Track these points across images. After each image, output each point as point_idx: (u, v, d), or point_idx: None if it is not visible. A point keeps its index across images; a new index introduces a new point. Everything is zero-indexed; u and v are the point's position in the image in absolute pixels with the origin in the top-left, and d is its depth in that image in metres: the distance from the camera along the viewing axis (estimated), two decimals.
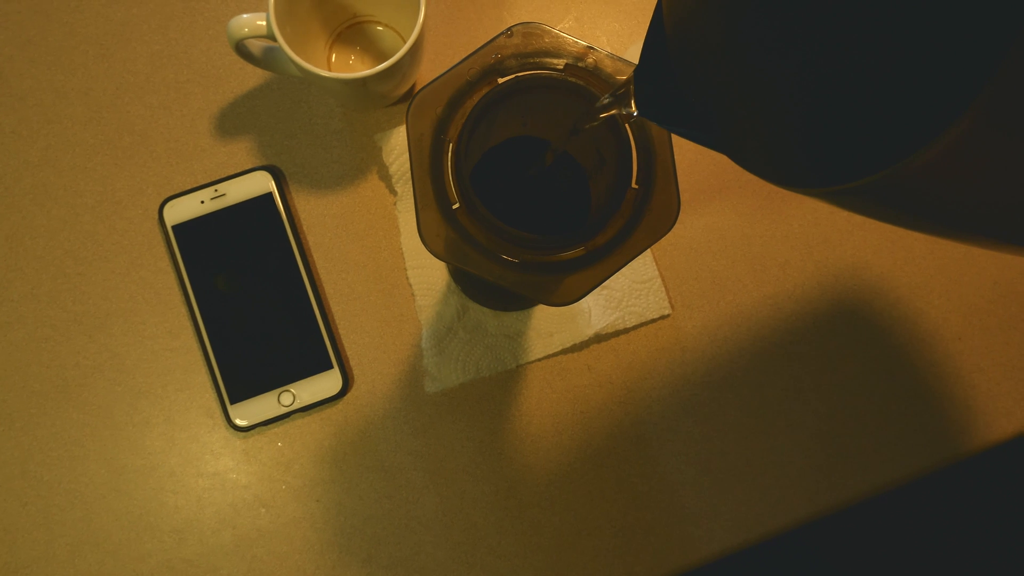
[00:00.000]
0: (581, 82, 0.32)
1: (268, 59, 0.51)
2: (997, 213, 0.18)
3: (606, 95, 0.29)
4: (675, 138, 0.55)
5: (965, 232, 0.20)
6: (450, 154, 0.32)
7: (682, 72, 0.24)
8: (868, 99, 0.16)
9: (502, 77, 0.32)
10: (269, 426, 0.53)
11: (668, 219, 0.32)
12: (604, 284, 0.54)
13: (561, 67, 0.33)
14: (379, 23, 0.55)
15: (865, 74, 0.16)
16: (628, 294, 0.55)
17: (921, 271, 0.56)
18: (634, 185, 0.32)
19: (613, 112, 0.29)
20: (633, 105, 0.27)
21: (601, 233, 0.32)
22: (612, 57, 0.33)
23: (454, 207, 0.32)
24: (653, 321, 0.55)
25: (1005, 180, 0.16)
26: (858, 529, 1.06)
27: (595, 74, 0.33)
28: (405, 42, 0.47)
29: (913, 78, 0.15)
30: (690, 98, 0.24)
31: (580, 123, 0.31)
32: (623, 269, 0.54)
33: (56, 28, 0.56)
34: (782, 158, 0.20)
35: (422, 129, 0.32)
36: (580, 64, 0.33)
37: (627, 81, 0.28)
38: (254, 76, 0.56)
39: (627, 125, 0.33)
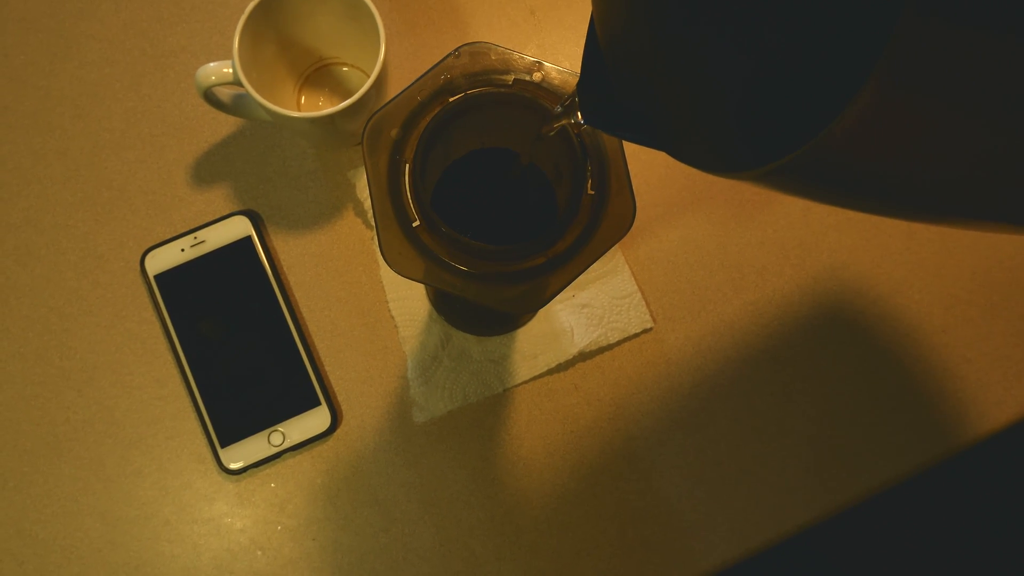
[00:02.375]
0: (530, 95, 0.33)
1: (237, 105, 0.52)
2: (925, 178, 0.18)
3: (557, 107, 0.30)
4: (641, 150, 0.56)
5: (896, 203, 0.20)
6: (407, 174, 0.33)
7: (619, 80, 0.25)
8: (784, 79, 0.17)
9: (453, 96, 0.33)
10: (261, 467, 0.53)
11: (625, 222, 0.33)
12: (585, 302, 0.55)
13: (510, 82, 0.34)
14: (345, 64, 0.57)
15: (778, 56, 0.17)
16: (609, 310, 0.55)
17: (899, 267, 0.57)
18: (589, 191, 0.33)
19: (565, 122, 0.30)
20: (579, 115, 0.28)
21: (561, 240, 0.33)
22: (559, 70, 0.34)
23: (414, 225, 0.33)
24: (636, 336, 0.55)
25: (922, 145, 0.17)
26: (860, 531, 1.04)
27: (543, 87, 0.34)
28: (368, 80, 0.48)
29: (819, 54, 0.16)
30: (630, 103, 0.25)
31: (540, 133, 0.32)
32: (603, 287, 0.55)
33: (31, 93, 0.57)
34: (716, 147, 0.21)
35: (379, 152, 0.33)
36: (528, 78, 0.34)
37: (573, 94, 0.29)
38: (226, 124, 0.57)
39: (578, 135, 0.33)
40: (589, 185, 0.33)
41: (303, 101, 0.56)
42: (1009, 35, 0.14)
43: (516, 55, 0.34)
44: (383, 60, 0.47)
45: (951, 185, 0.19)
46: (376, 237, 0.56)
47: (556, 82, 0.34)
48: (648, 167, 0.57)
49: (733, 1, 0.18)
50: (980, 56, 0.14)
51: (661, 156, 0.57)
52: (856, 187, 0.19)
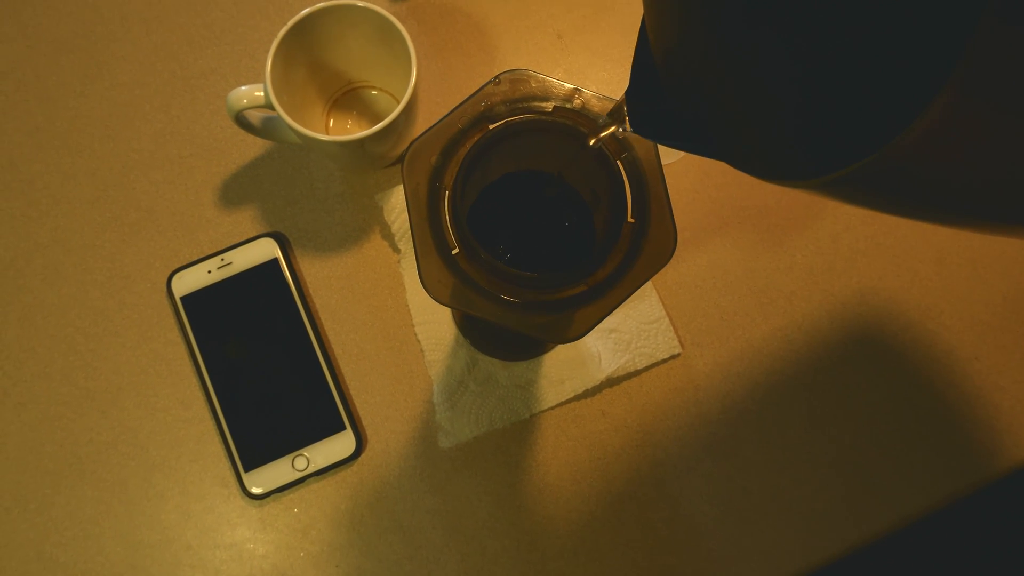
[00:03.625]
0: (571, 122, 0.33)
1: (267, 128, 0.52)
2: (992, 190, 0.18)
3: (604, 116, 0.30)
4: (667, 173, 0.55)
5: (963, 213, 0.19)
6: (447, 201, 0.33)
7: (671, 87, 0.25)
8: (852, 86, 0.17)
9: (492, 123, 0.33)
10: (284, 492, 0.52)
11: (666, 249, 0.32)
12: (612, 327, 0.54)
13: (550, 109, 0.34)
14: (374, 88, 0.57)
15: (846, 61, 0.17)
16: (637, 335, 0.55)
17: (929, 292, 0.56)
18: (630, 219, 0.33)
19: (611, 131, 0.30)
20: (628, 124, 0.28)
21: (601, 268, 0.32)
22: (599, 97, 0.34)
23: (454, 252, 0.32)
24: (664, 361, 0.55)
25: (994, 155, 0.16)
26: (892, 562, 1.02)
27: (583, 114, 0.34)
28: (400, 104, 0.48)
29: (891, 61, 0.15)
30: (681, 111, 0.25)
31: (585, 144, 0.32)
32: (630, 312, 0.55)
33: (62, 113, 0.57)
34: (776, 155, 0.20)
35: (418, 178, 0.33)
36: (568, 106, 0.34)
37: (621, 101, 0.28)
38: (255, 146, 0.57)
39: (618, 160, 0.33)
40: (630, 213, 0.33)
41: (331, 124, 0.56)
42: None
43: (555, 82, 0.34)
44: (414, 84, 0.47)
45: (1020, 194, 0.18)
46: (404, 262, 0.55)
47: (596, 109, 0.34)
48: (673, 192, 0.57)
49: (796, 2, 0.18)
50: None
51: (687, 181, 0.57)
52: (923, 198, 0.19)
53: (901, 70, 0.15)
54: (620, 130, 0.28)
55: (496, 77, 0.33)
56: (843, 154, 0.17)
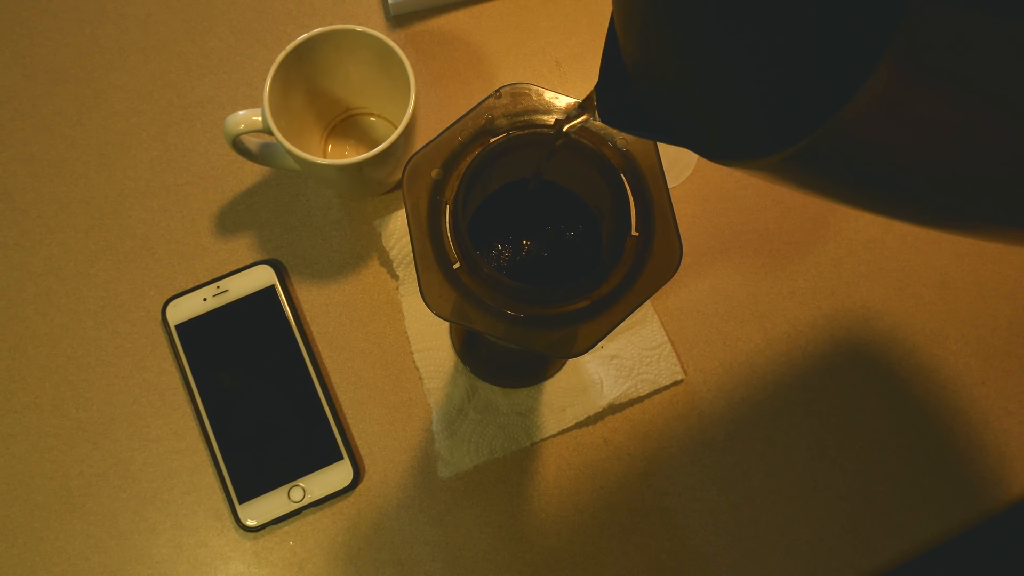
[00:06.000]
0: (573, 136, 0.33)
1: (265, 154, 0.51)
2: (948, 174, 0.18)
3: (574, 107, 0.30)
4: (672, 191, 0.55)
5: (915, 198, 0.20)
6: (447, 215, 0.32)
7: (637, 79, 0.26)
8: (795, 66, 0.18)
9: (494, 137, 0.33)
10: (280, 524, 0.51)
11: (671, 263, 0.32)
12: (614, 353, 0.53)
13: (551, 123, 0.33)
14: (372, 114, 0.57)
15: (790, 42, 0.18)
16: (639, 362, 0.54)
17: (934, 317, 0.55)
18: (634, 233, 0.32)
19: (582, 120, 0.30)
20: (596, 114, 0.29)
21: (605, 283, 0.32)
22: None
23: (455, 266, 0.32)
24: (667, 388, 0.54)
25: (948, 136, 0.16)
26: None
27: (585, 128, 0.33)
28: (398, 128, 0.48)
29: (829, 41, 0.16)
30: (647, 102, 0.26)
31: (559, 132, 0.32)
32: (632, 338, 0.54)
33: (58, 142, 0.57)
34: (733, 138, 0.21)
35: (418, 192, 0.32)
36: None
37: (591, 93, 0.29)
38: (251, 174, 0.57)
39: (622, 174, 0.33)
40: (633, 227, 0.32)
41: (330, 150, 0.56)
42: None
43: (556, 96, 0.34)
44: (413, 107, 0.47)
45: (974, 184, 0.18)
46: (407, 278, 0.55)
47: (599, 123, 0.33)
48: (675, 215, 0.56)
49: None
50: (1004, 45, 0.14)
51: (688, 206, 0.57)
52: (875, 179, 0.19)
53: (839, 48, 0.16)
54: (592, 119, 0.29)
55: (497, 91, 0.33)
56: (793, 131, 0.17)
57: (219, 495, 0.51)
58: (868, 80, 0.15)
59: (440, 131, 0.33)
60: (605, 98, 0.28)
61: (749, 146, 0.20)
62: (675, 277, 0.55)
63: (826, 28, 0.16)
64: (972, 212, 0.20)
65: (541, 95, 0.33)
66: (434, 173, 0.32)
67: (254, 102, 0.58)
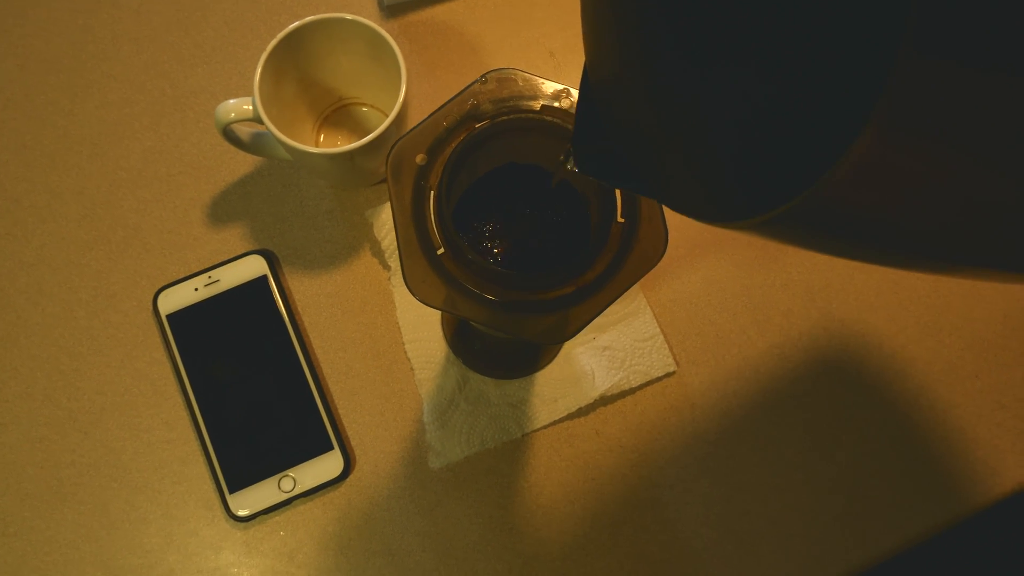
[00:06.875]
0: (558, 121, 0.33)
1: (256, 143, 0.51)
2: (934, 227, 0.18)
3: (560, 156, 0.30)
4: None
5: (903, 252, 0.20)
6: (432, 201, 0.32)
7: (612, 131, 0.25)
8: (778, 126, 0.17)
9: (479, 122, 0.33)
10: (270, 514, 0.51)
11: (657, 249, 0.32)
12: (606, 345, 0.53)
13: (537, 108, 0.33)
14: (364, 104, 0.57)
15: (772, 102, 0.17)
16: (631, 353, 0.54)
17: (928, 310, 0.55)
18: (620, 219, 0.32)
19: (568, 169, 0.30)
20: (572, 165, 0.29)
21: (590, 269, 0.32)
22: None
23: (439, 252, 0.32)
24: (659, 379, 0.54)
25: (929, 191, 0.16)
26: None
27: (571, 113, 0.33)
28: (389, 116, 0.48)
29: (814, 102, 0.16)
30: (624, 153, 0.25)
31: (553, 177, 0.32)
32: (624, 329, 0.54)
33: (50, 132, 0.57)
34: (710, 197, 0.21)
35: (403, 178, 0.32)
36: (556, 105, 0.33)
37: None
38: (244, 164, 0.57)
39: None
40: (619, 213, 0.32)
41: (322, 140, 0.56)
42: (1016, 77, 0.13)
43: (543, 81, 0.33)
44: (404, 96, 0.47)
45: (960, 233, 0.18)
46: (399, 269, 0.55)
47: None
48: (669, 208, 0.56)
49: (724, 47, 0.18)
50: (989, 100, 0.14)
51: None
52: (859, 237, 0.19)
53: (825, 109, 0.15)
54: (574, 169, 0.29)
55: (483, 76, 0.33)
56: (776, 193, 0.17)
57: (210, 485, 0.51)
58: (854, 143, 0.14)
59: (429, 115, 0.33)
60: (580, 149, 0.27)
61: (726, 208, 0.20)
62: (668, 268, 0.55)
63: (810, 93, 0.16)
64: (959, 261, 0.20)
65: (527, 80, 0.33)
66: (419, 159, 0.32)
67: (247, 92, 0.58)
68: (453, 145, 0.32)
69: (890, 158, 0.15)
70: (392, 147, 0.32)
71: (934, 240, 0.18)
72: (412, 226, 0.32)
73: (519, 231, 0.38)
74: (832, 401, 0.54)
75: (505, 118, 0.32)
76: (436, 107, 0.58)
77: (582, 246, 0.33)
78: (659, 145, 0.23)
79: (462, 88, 0.58)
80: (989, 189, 0.16)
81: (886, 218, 0.17)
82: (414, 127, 0.32)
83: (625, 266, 0.32)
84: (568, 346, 0.54)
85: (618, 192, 0.32)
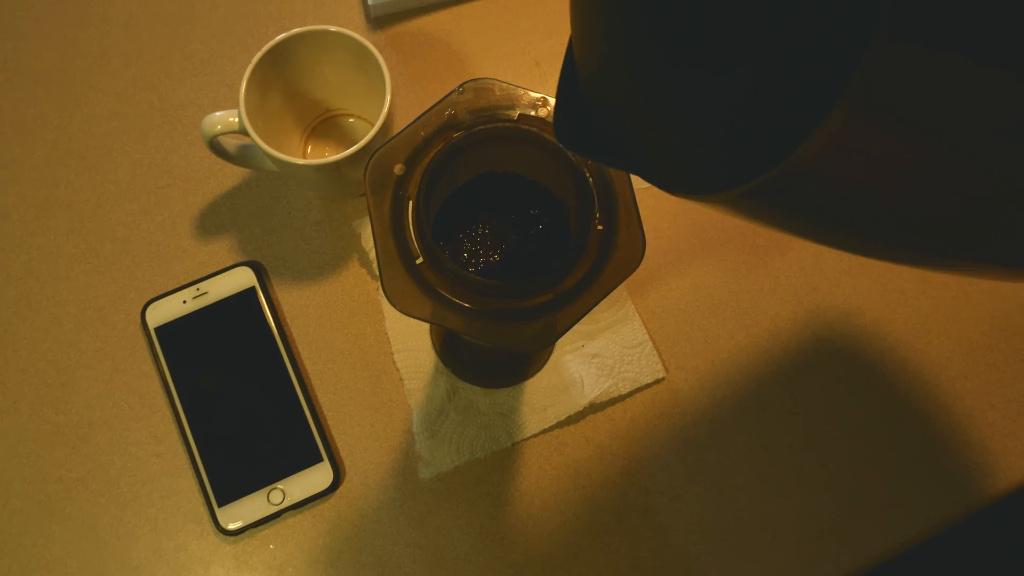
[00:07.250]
0: (535, 130, 0.33)
1: (243, 155, 0.51)
2: (906, 213, 0.18)
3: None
4: (649, 194, 0.55)
5: (876, 237, 0.20)
6: (410, 210, 0.32)
7: (594, 107, 0.26)
8: (753, 102, 0.18)
9: (456, 132, 0.33)
10: (260, 527, 0.51)
11: (635, 256, 0.32)
12: (595, 352, 0.53)
13: (515, 117, 0.33)
14: (351, 115, 0.57)
15: (748, 78, 0.17)
16: (620, 360, 0.54)
17: (915, 312, 0.55)
18: (598, 226, 0.32)
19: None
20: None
21: (569, 276, 0.32)
22: None
23: (418, 262, 0.32)
24: (648, 386, 0.54)
25: (906, 175, 0.16)
26: None
27: (548, 122, 0.33)
28: (374, 126, 0.48)
29: (789, 79, 0.16)
30: (604, 128, 0.26)
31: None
32: (613, 336, 0.54)
33: (39, 146, 0.57)
34: (690, 171, 0.21)
35: (382, 188, 0.32)
36: (533, 113, 0.33)
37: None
38: (232, 176, 0.57)
39: (585, 169, 0.32)
40: (597, 219, 0.32)
41: (309, 151, 0.56)
42: (993, 63, 0.14)
43: (520, 91, 0.33)
44: (389, 106, 0.47)
45: (937, 220, 0.18)
46: (379, 278, 0.55)
47: None
48: (656, 213, 0.56)
49: (703, 26, 0.19)
50: (966, 87, 0.14)
51: (668, 202, 0.57)
52: (835, 216, 0.19)
53: (801, 85, 0.16)
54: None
55: (461, 86, 0.33)
56: (751, 167, 0.17)
57: (198, 499, 0.51)
58: (826, 118, 0.15)
59: (407, 125, 0.33)
60: (562, 125, 0.28)
61: (704, 180, 0.20)
62: (655, 275, 0.55)
63: (784, 68, 0.16)
64: (937, 250, 0.20)
65: (504, 90, 0.33)
66: (397, 169, 0.32)
67: (235, 104, 0.58)
68: (431, 155, 0.32)
69: (865, 136, 0.15)
70: (370, 157, 0.32)
71: (910, 225, 0.19)
72: (391, 236, 0.32)
73: (499, 240, 0.38)
74: (821, 405, 0.54)
75: (482, 127, 0.32)
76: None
77: (562, 254, 0.33)
78: (640, 121, 0.23)
79: None
80: (965, 177, 0.16)
81: (862, 198, 0.18)
82: (392, 137, 0.32)
83: (604, 272, 0.32)
84: (557, 354, 0.54)
85: (596, 200, 0.32)
